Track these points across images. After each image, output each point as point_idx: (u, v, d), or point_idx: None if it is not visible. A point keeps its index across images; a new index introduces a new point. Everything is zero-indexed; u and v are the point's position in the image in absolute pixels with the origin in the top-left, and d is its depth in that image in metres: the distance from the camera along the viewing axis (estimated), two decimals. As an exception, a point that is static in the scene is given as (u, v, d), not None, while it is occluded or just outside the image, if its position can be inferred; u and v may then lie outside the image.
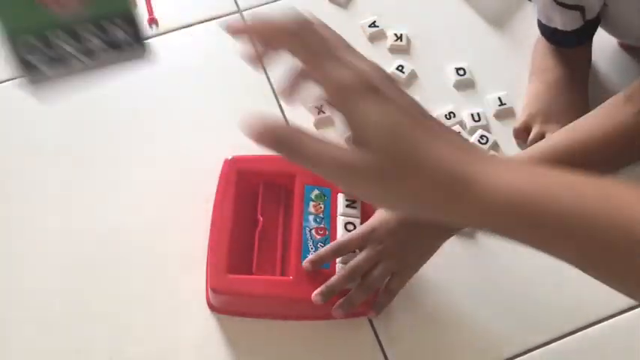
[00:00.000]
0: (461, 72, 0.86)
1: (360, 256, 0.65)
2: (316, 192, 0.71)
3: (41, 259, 0.75)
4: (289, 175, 0.72)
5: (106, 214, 0.77)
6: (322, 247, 0.68)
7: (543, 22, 0.80)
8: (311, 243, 0.68)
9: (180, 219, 0.76)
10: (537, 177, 0.39)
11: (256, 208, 0.72)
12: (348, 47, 0.42)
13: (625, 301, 0.72)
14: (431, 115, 0.40)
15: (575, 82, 0.82)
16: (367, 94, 0.38)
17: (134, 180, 0.80)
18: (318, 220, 0.70)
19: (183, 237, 0.75)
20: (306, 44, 0.41)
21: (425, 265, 0.73)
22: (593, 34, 0.82)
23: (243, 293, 0.67)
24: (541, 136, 0.78)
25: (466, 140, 0.46)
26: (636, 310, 0.71)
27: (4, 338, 0.71)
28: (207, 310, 0.71)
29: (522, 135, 0.81)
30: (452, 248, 0.75)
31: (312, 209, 0.71)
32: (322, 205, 0.71)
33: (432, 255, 0.67)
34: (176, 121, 0.84)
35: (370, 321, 0.71)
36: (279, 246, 0.70)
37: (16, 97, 0.86)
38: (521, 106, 0.84)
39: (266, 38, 0.44)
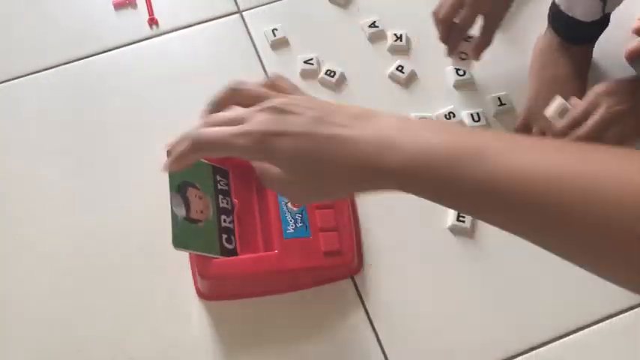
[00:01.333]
0: (461, 72, 0.86)
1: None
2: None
3: (41, 259, 0.75)
4: None
5: (106, 214, 0.77)
6: (300, 217, 0.70)
7: (563, 9, 0.79)
8: (289, 216, 0.70)
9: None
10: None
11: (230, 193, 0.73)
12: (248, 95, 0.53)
13: (625, 301, 0.72)
14: (329, 108, 0.48)
15: (575, 81, 0.82)
16: (266, 142, 0.47)
17: (134, 180, 0.80)
18: None
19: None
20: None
21: (425, 266, 0.74)
22: (599, 35, 0.82)
23: (233, 275, 0.68)
24: (541, 135, 0.78)
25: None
26: (636, 310, 0.71)
27: (4, 338, 0.71)
28: (208, 307, 0.71)
29: (523, 133, 0.81)
30: (452, 248, 0.75)
31: None
32: None
33: None
34: (176, 121, 0.84)
35: (370, 321, 0.71)
36: (258, 224, 0.72)
37: (16, 97, 0.87)
38: (522, 106, 0.84)
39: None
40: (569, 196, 0.38)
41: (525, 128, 0.81)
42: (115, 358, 0.69)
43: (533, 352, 0.69)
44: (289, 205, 0.70)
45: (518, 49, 0.88)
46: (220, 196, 0.71)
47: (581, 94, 0.81)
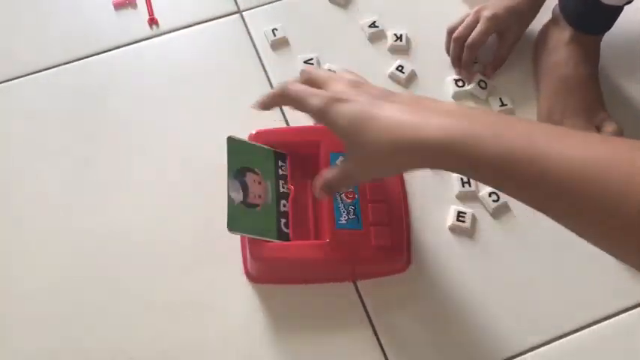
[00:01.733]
0: (460, 83, 0.86)
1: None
2: (341, 158, 0.72)
3: (41, 259, 0.75)
4: (314, 144, 0.73)
5: (107, 214, 0.77)
6: (353, 209, 0.70)
7: None
8: (342, 206, 0.70)
9: (181, 219, 0.77)
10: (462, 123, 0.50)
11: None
12: (322, 77, 0.60)
13: (625, 301, 0.72)
14: (388, 93, 0.57)
15: (589, 74, 0.81)
16: (331, 106, 0.56)
17: (134, 180, 0.80)
18: None
19: (183, 237, 0.75)
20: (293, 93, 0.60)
21: (424, 265, 0.74)
22: (612, 25, 0.82)
23: (283, 259, 0.69)
24: None
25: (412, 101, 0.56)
26: (636, 309, 0.71)
27: (4, 338, 0.71)
28: (209, 310, 0.71)
29: None
30: (452, 248, 0.75)
31: None
32: None
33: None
34: (176, 122, 0.84)
35: (371, 321, 0.71)
36: (311, 212, 0.72)
37: (16, 97, 0.87)
38: (523, 106, 0.84)
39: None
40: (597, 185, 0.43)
41: None
42: (115, 358, 0.69)
43: (533, 352, 0.69)
44: (343, 196, 0.71)
45: (518, 49, 0.88)
46: (281, 182, 0.72)
47: (595, 88, 0.81)
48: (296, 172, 0.74)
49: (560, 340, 0.70)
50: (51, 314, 0.72)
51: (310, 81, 0.61)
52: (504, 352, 0.69)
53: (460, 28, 0.84)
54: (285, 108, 0.83)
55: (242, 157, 0.70)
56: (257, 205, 0.69)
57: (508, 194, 0.49)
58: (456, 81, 0.86)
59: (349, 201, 0.71)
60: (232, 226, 0.65)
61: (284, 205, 0.71)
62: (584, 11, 0.80)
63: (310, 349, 0.70)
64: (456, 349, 0.69)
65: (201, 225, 0.75)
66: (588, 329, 0.70)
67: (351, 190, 0.71)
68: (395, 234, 0.70)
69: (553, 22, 0.84)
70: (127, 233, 0.76)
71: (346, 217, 0.70)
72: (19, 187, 0.80)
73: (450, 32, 0.86)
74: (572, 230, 0.46)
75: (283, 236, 0.69)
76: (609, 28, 0.82)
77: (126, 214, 0.77)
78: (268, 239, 0.68)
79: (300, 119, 0.81)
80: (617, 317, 0.71)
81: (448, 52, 0.87)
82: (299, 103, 0.59)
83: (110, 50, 0.90)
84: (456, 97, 0.85)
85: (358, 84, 0.58)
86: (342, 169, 0.60)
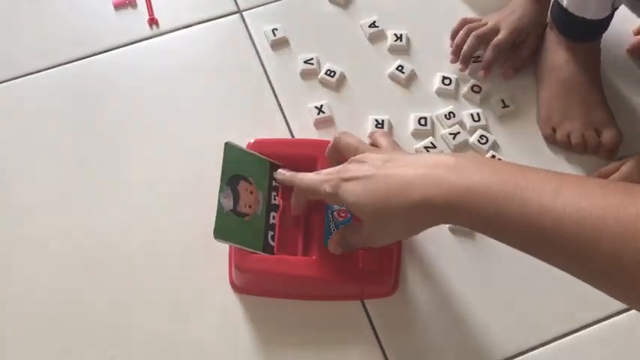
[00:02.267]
0: (447, 81, 0.85)
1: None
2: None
3: (41, 259, 0.75)
4: (311, 159, 0.73)
5: (106, 214, 0.77)
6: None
7: (572, 10, 0.78)
8: (333, 225, 0.70)
9: (181, 218, 0.77)
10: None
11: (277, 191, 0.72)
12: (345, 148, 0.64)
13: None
14: (398, 156, 0.58)
15: (588, 77, 0.81)
16: (340, 188, 0.58)
17: (134, 180, 0.80)
18: None
19: (184, 237, 0.75)
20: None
21: (424, 266, 0.74)
22: (604, 31, 0.82)
23: (267, 272, 0.68)
24: (566, 138, 0.79)
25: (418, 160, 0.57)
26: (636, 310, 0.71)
27: (4, 338, 0.71)
28: (209, 311, 0.71)
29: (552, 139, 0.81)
30: (451, 248, 0.75)
31: None
32: None
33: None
34: (176, 122, 0.84)
35: (370, 321, 0.71)
36: (301, 227, 0.71)
37: (17, 97, 0.87)
38: (525, 107, 0.84)
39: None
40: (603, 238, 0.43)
41: (550, 137, 0.81)
42: (115, 358, 0.69)
43: (533, 352, 0.69)
44: (335, 214, 0.70)
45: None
46: (273, 193, 0.71)
47: (596, 88, 0.81)
48: (289, 187, 0.72)
49: (560, 340, 0.70)
50: (51, 314, 0.72)
51: (336, 149, 0.65)
52: (503, 352, 0.69)
53: (483, 28, 0.86)
54: (290, 117, 0.84)
55: (237, 165, 0.69)
56: (246, 215, 0.68)
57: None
58: (444, 79, 0.86)
59: (341, 219, 0.70)
60: (218, 234, 0.64)
61: (273, 218, 0.70)
62: (567, 20, 0.80)
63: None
64: (455, 349, 0.69)
65: (201, 225, 0.75)
66: (588, 329, 0.70)
67: (343, 208, 0.71)
68: (384, 257, 0.69)
69: (551, 26, 0.84)
70: (127, 233, 0.76)
71: None
72: (18, 187, 0.80)
73: (466, 22, 0.87)
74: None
75: (268, 249, 0.68)
76: (600, 34, 0.82)
77: (126, 214, 0.77)
78: (253, 250, 0.67)
79: (306, 132, 0.82)
80: (617, 317, 0.71)
81: (454, 37, 0.88)
82: (313, 194, 0.62)
83: (110, 50, 0.90)
84: (439, 93, 0.85)
85: (365, 158, 0.59)
86: (360, 237, 0.62)
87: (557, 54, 0.83)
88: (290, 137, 0.82)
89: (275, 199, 0.71)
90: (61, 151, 0.82)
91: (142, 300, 0.72)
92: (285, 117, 0.84)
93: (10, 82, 0.88)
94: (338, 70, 0.86)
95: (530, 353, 0.69)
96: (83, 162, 0.81)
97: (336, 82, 0.86)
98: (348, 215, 0.70)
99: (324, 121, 0.83)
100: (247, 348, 0.70)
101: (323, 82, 0.87)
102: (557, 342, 0.70)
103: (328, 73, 0.86)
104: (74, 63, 0.89)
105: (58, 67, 0.89)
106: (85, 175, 0.80)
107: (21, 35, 0.92)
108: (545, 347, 0.69)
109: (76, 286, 0.73)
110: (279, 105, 0.85)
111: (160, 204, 0.78)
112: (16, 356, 0.70)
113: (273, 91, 0.86)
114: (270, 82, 0.87)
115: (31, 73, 0.88)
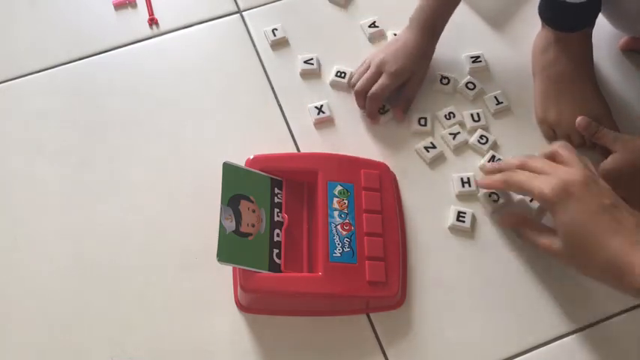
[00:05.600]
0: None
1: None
2: (339, 188, 0.71)
3: (41, 259, 0.75)
4: (312, 172, 0.72)
5: (106, 214, 0.77)
6: (348, 242, 0.69)
7: None
8: (337, 239, 0.69)
9: (181, 219, 0.77)
10: None
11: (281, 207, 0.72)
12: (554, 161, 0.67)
13: (624, 301, 0.72)
14: (619, 205, 0.60)
15: (580, 71, 0.81)
16: (561, 201, 0.60)
17: (134, 180, 0.80)
18: (342, 215, 0.70)
19: (184, 237, 0.75)
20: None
21: (425, 266, 0.74)
22: (593, 21, 0.81)
23: (274, 291, 0.66)
24: (567, 138, 0.79)
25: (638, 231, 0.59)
26: (636, 310, 0.71)
27: (4, 338, 0.71)
28: (208, 310, 0.71)
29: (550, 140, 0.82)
30: (451, 248, 0.75)
31: (336, 205, 0.71)
32: (346, 201, 0.71)
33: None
34: (176, 122, 0.84)
35: (370, 321, 0.71)
36: (305, 243, 0.70)
37: (16, 96, 0.87)
38: (520, 104, 0.84)
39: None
40: None
41: (551, 138, 0.81)
42: (113, 357, 0.69)
43: (533, 352, 0.69)
44: (339, 227, 0.69)
45: (518, 49, 0.88)
46: (276, 210, 0.70)
47: (589, 82, 0.81)
48: (292, 200, 0.72)
49: (560, 340, 0.70)
50: (51, 314, 0.72)
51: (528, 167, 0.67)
52: (503, 352, 0.69)
53: (361, 82, 0.82)
54: (289, 117, 0.84)
55: (237, 184, 0.68)
56: (249, 234, 0.67)
57: None
58: (442, 78, 0.86)
59: (345, 233, 0.69)
60: (222, 257, 0.63)
61: (277, 235, 0.69)
62: (551, 9, 0.80)
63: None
64: (455, 350, 0.69)
65: (201, 225, 0.75)
66: (588, 329, 0.70)
67: (347, 221, 0.70)
68: (390, 269, 0.68)
69: (543, 25, 0.85)
70: (127, 233, 0.76)
71: (341, 250, 0.68)
72: (18, 187, 0.80)
73: (353, 86, 0.83)
74: None
75: (274, 267, 0.67)
76: (587, 23, 0.82)
77: (125, 214, 0.77)
78: (259, 270, 0.66)
79: (306, 132, 0.82)
80: (616, 317, 0.71)
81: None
82: (526, 189, 0.65)
83: (110, 50, 0.90)
84: (438, 92, 0.85)
85: (590, 178, 0.61)
86: (559, 257, 0.65)
87: (548, 51, 0.83)
88: (290, 137, 0.82)
89: (279, 216, 0.71)
90: (61, 151, 0.82)
91: (142, 300, 0.72)
92: (285, 117, 0.84)
93: (10, 82, 0.88)
94: (347, 70, 0.86)
95: (530, 353, 0.69)
96: (83, 162, 0.81)
97: (346, 82, 0.86)
98: (352, 228, 0.70)
99: (324, 121, 0.83)
100: (250, 353, 0.70)
101: (334, 85, 0.86)
102: (557, 342, 0.70)
103: (339, 74, 0.86)
104: (74, 63, 0.89)
105: (58, 67, 0.89)
106: (85, 175, 0.80)
107: (21, 35, 0.92)
108: (545, 347, 0.69)
109: (76, 286, 0.73)
110: (279, 105, 0.85)
111: (159, 204, 0.78)
112: (16, 356, 0.70)
113: (273, 91, 0.86)
114: (270, 82, 0.87)
115: (31, 73, 0.88)
